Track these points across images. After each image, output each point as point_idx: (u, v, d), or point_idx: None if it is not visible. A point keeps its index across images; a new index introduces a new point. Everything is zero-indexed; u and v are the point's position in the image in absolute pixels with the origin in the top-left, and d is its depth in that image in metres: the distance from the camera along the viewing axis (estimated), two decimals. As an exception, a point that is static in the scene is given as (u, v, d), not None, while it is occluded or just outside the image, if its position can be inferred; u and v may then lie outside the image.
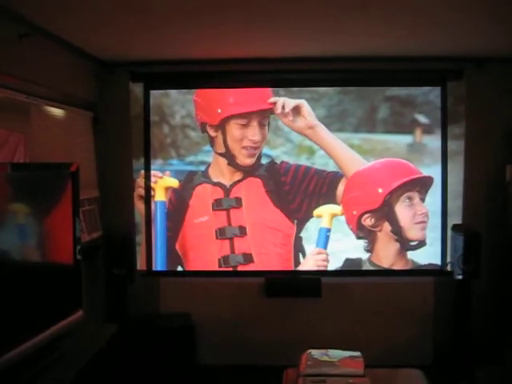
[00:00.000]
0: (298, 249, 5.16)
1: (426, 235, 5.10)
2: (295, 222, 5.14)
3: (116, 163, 5.00)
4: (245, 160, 5.13)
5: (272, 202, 5.14)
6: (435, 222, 5.09)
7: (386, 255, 5.14)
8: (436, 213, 5.09)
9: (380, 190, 5.03)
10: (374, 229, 5.10)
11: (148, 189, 5.17)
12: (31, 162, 3.56)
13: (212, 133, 5.13)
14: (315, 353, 3.49)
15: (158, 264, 5.25)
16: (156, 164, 5.22)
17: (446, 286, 4.97)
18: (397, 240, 5.11)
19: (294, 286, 5.06)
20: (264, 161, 5.16)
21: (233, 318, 5.09)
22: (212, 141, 5.16)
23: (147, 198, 5.17)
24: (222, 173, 5.18)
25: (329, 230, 5.11)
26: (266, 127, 5.10)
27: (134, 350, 4.71)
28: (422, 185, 5.06)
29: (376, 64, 4.90)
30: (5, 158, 3.30)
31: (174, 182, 5.19)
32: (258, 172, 5.15)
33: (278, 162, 5.16)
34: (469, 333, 4.78)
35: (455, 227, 4.92)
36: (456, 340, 4.82)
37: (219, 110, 5.09)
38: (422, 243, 5.11)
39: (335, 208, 5.12)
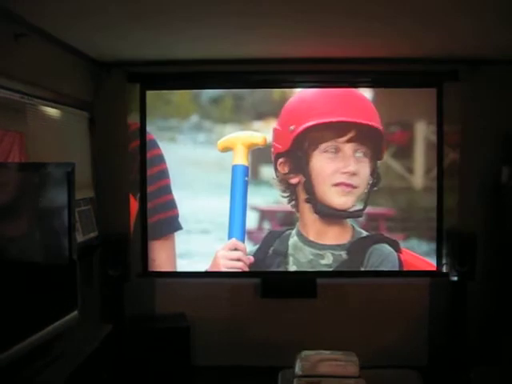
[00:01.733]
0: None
1: (353, 203, 4.59)
2: None
3: (112, 163, 4.99)
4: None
5: None
6: (431, 223, 5.09)
7: (308, 224, 4.68)
8: (432, 214, 5.09)
9: (291, 128, 4.40)
10: (290, 181, 4.57)
11: (144, 186, 5.14)
12: (26, 161, 3.56)
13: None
14: (310, 353, 3.48)
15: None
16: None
17: (442, 287, 4.99)
18: (308, 201, 4.53)
19: (290, 287, 5.05)
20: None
21: (228, 319, 5.09)
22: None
23: (143, 195, 5.15)
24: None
25: (246, 169, 4.32)
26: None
27: (128, 351, 4.71)
28: (365, 136, 4.50)
29: (372, 65, 4.90)
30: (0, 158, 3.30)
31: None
32: None
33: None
34: (464, 334, 4.79)
35: (451, 228, 4.93)
36: (451, 341, 4.83)
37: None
38: (351, 213, 4.59)
39: (250, 136, 4.36)
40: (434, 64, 4.90)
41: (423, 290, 5.08)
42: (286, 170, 4.52)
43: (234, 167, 4.46)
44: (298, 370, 3.30)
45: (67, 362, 3.04)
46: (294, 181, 4.57)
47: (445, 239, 5.00)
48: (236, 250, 4.75)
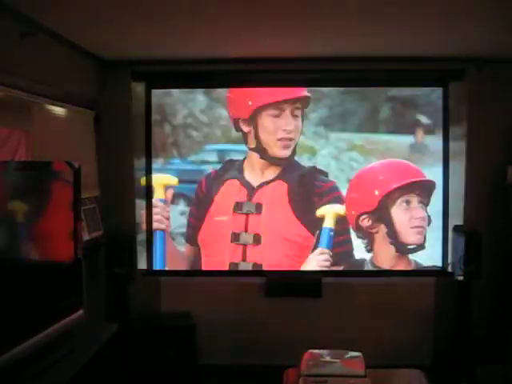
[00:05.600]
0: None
1: (423, 239, 5.10)
2: (316, 233, 5.09)
3: (117, 162, 5.00)
4: (279, 152, 5.07)
5: (293, 212, 5.08)
6: (436, 222, 5.08)
7: (384, 257, 5.14)
8: (437, 213, 5.08)
9: (376, 192, 5.05)
10: (370, 230, 5.09)
11: (149, 186, 5.17)
12: (33, 160, 3.56)
13: (245, 128, 5.08)
14: (316, 353, 3.49)
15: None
16: (157, 163, 5.22)
17: (447, 286, 4.97)
18: (391, 243, 5.09)
19: (295, 286, 5.05)
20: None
21: (233, 318, 5.08)
22: (245, 137, 5.11)
23: (148, 196, 5.17)
24: (253, 168, 5.13)
25: (332, 230, 5.07)
26: (300, 118, 5.07)
27: (134, 349, 4.71)
28: (422, 188, 5.06)
29: (378, 64, 4.90)
30: (6, 156, 3.31)
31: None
32: (290, 176, 5.09)
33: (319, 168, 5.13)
34: (469, 333, 4.78)
35: (456, 228, 4.92)
36: (456, 340, 4.82)
37: (250, 102, 5.06)
38: (419, 247, 5.11)
39: (338, 208, 5.08)
40: (440, 63, 4.89)
41: (428, 289, 5.06)
42: None
43: (324, 228, 5.08)
44: (303, 369, 3.31)
45: (73, 361, 3.05)
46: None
47: (450, 238, 4.99)
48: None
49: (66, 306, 3.27)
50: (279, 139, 5.05)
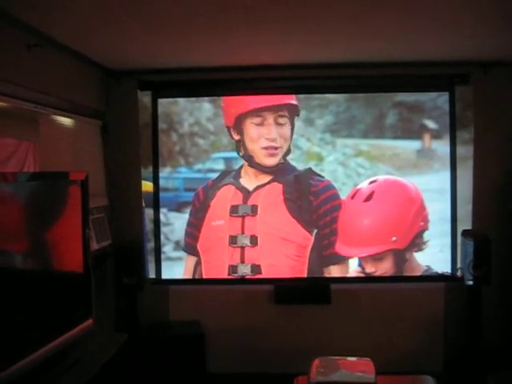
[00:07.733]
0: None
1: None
2: (314, 232, 5.06)
3: (125, 171, 5.02)
4: (265, 160, 5.06)
5: (288, 212, 5.04)
6: (445, 227, 5.06)
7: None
8: (446, 218, 5.06)
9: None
10: None
11: (157, 195, 5.18)
12: (41, 170, 3.58)
13: (235, 136, 5.09)
14: (325, 360, 3.47)
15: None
16: (164, 172, 5.23)
17: (457, 291, 4.95)
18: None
19: (304, 293, 5.04)
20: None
21: (242, 326, 5.08)
22: (238, 144, 5.11)
23: (156, 205, 5.18)
24: (248, 174, 5.12)
25: None
26: (287, 126, 5.04)
27: (144, 359, 4.71)
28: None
29: (383, 70, 4.90)
30: (15, 167, 3.32)
31: None
32: (285, 178, 5.07)
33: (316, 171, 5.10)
34: (480, 339, 4.75)
35: (465, 233, 4.90)
36: (467, 346, 4.79)
37: (232, 110, 5.08)
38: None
39: None
40: (445, 67, 4.88)
41: (438, 294, 5.04)
42: None
43: None
44: (313, 376, 3.29)
45: (83, 370, 3.05)
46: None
47: (459, 243, 4.97)
48: None
49: (75, 316, 3.27)
50: (264, 147, 5.05)
